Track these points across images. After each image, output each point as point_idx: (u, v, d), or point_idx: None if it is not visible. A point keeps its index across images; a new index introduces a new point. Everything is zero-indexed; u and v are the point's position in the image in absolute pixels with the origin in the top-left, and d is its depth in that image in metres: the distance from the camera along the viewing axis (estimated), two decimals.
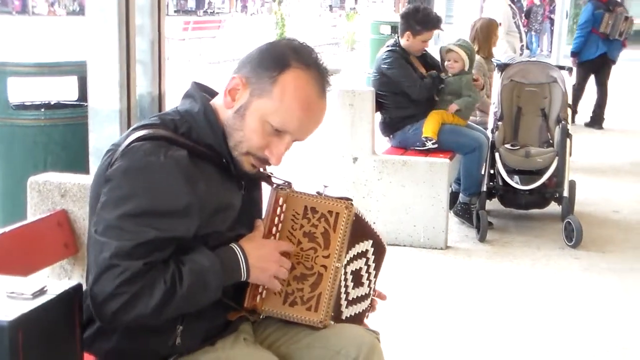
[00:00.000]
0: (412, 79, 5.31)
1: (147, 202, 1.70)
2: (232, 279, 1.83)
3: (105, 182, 1.75)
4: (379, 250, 2.16)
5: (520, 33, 8.33)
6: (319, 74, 1.85)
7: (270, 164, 1.89)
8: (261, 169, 1.98)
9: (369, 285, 2.14)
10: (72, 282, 1.54)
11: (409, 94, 5.31)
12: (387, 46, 5.51)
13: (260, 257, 1.86)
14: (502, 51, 7.63)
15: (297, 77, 1.81)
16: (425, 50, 5.61)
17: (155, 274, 1.68)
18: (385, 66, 5.36)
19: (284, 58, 1.82)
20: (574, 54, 9.37)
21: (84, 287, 1.67)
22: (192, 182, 1.75)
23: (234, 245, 1.85)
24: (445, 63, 5.45)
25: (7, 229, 2.33)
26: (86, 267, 1.91)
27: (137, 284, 1.66)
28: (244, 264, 1.83)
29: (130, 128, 1.89)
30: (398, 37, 5.47)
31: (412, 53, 5.44)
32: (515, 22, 8.20)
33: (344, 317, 2.06)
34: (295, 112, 1.81)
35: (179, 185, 1.73)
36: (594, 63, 9.16)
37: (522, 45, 8.33)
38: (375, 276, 2.17)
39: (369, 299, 2.16)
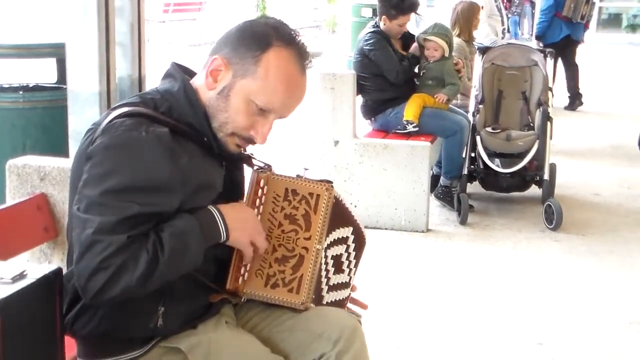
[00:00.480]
0: (391, 62, 5.31)
1: (129, 177, 1.69)
2: (212, 239, 1.81)
3: (87, 160, 1.74)
4: (359, 239, 2.17)
5: (502, 16, 8.35)
6: (299, 51, 1.86)
7: (255, 143, 1.89)
8: (243, 150, 1.98)
9: (349, 274, 2.15)
10: (52, 266, 1.53)
11: (387, 77, 5.32)
12: (369, 27, 5.50)
13: (238, 219, 1.85)
14: (484, 34, 7.64)
15: (280, 55, 1.82)
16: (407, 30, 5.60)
17: (138, 245, 1.67)
18: (367, 47, 5.35)
19: (265, 37, 1.83)
20: (537, 37, 9.53)
21: (64, 271, 1.66)
22: (174, 157, 1.74)
23: (210, 207, 1.83)
24: (425, 51, 5.43)
25: None
26: (67, 250, 1.90)
27: (121, 257, 1.65)
28: (221, 223, 1.81)
29: (111, 107, 1.87)
30: (378, 23, 5.47)
31: (391, 36, 5.44)
32: (497, 6, 8.21)
33: (325, 303, 2.06)
34: (279, 90, 1.82)
35: (161, 160, 1.72)
36: (558, 45, 9.30)
37: (504, 29, 8.36)
38: (355, 266, 2.18)
39: (349, 289, 2.17)
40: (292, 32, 1.88)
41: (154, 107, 1.82)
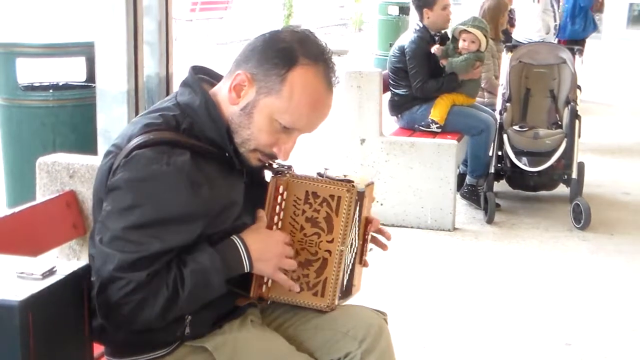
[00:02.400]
0: (419, 75, 5.28)
1: (151, 212, 1.68)
2: (235, 272, 1.81)
3: (109, 192, 1.72)
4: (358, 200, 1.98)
5: (554, 13, 8.18)
6: (327, 67, 1.80)
7: (278, 159, 1.87)
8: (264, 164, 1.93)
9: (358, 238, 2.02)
10: (81, 263, 1.54)
11: (412, 86, 5.30)
12: (413, 30, 5.47)
13: (262, 250, 1.84)
14: (535, 29, 7.54)
15: (306, 74, 1.76)
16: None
17: (158, 281, 1.69)
18: (408, 49, 5.34)
19: (291, 53, 1.76)
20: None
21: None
22: (196, 188, 1.72)
23: (235, 238, 1.82)
24: (460, 44, 5.37)
25: (17, 209, 2.34)
26: (88, 252, 1.91)
27: (141, 293, 1.67)
28: (245, 257, 1.81)
29: (130, 125, 1.84)
30: (420, 22, 5.43)
31: (440, 29, 5.40)
32: (551, 1, 8.05)
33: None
34: (304, 110, 1.77)
35: (183, 192, 1.70)
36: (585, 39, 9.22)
37: (557, 25, 8.17)
38: (360, 223, 2.01)
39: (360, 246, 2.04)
40: (320, 46, 1.81)
41: (175, 125, 1.79)
